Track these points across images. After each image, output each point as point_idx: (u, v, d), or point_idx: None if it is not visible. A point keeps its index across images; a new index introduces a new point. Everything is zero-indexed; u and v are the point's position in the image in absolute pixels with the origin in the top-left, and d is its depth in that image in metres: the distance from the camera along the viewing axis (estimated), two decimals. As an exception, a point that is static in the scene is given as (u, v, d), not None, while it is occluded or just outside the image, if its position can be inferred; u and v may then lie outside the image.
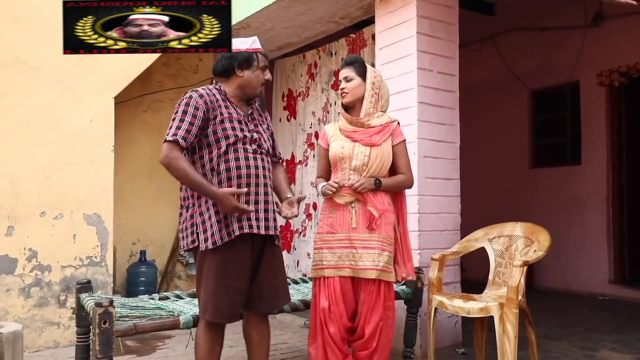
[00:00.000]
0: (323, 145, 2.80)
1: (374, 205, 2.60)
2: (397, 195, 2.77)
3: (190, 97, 2.33)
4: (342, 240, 2.63)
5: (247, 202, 2.33)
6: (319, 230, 2.72)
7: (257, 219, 2.35)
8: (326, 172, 2.81)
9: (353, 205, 2.62)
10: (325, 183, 2.69)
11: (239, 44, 2.39)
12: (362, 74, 2.70)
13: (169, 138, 2.28)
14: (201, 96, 2.33)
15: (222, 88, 2.44)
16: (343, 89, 2.71)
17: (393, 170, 2.74)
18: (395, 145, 2.72)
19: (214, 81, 2.54)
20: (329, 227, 2.66)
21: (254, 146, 2.41)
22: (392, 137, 2.71)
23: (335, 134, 2.76)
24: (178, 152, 2.28)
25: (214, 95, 2.38)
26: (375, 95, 2.70)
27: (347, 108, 2.76)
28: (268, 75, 2.49)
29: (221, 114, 2.35)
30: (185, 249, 2.40)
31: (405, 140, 2.77)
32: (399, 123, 2.76)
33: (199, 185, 2.27)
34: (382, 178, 2.65)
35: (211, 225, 2.29)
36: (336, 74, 4.60)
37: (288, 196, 2.53)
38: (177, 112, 2.32)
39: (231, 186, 2.31)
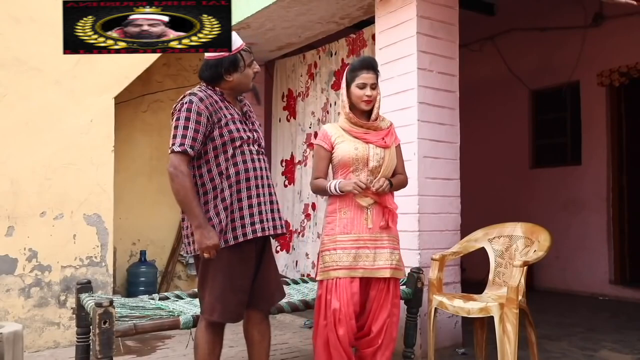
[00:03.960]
0: (325, 147, 2.70)
1: (391, 204, 2.64)
2: None
3: (191, 102, 2.26)
4: (356, 240, 2.61)
5: (259, 204, 2.34)
6: (328, 232, 2.66)
7: (267, 220, 2.37)
8: (325, 174, 2.73)
9: (370, 206, 2.62)
10: (341, 180, 2.61)
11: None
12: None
13: (177, 149, 2.22)
14: (201, 100, 2.27)
15: (217, 89, 2.40)
16: (369, 96, 2.63)
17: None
18: (395, 147, 2.75)
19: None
20: (342, 228, 2.62)
21: (256, 146, 2.41)
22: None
23: (341, 135, 2.68)
24: (186, 166, 2.24)
25: (212, 97, 2.34)
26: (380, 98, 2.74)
27: (353, 109, 2.70)
28: (257, 68, 2.46)
29: (224, 115, 2.32)
30: (192, 254, 2.36)
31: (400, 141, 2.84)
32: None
33: (193, 209, 2.22)
34: (390, 179, 2.67)
35: (220, 222, 2.27)
36: (336, 74, 4.59)
37: None
38: (179, 119, 2.25)
39: (240, 189, 2.30)
